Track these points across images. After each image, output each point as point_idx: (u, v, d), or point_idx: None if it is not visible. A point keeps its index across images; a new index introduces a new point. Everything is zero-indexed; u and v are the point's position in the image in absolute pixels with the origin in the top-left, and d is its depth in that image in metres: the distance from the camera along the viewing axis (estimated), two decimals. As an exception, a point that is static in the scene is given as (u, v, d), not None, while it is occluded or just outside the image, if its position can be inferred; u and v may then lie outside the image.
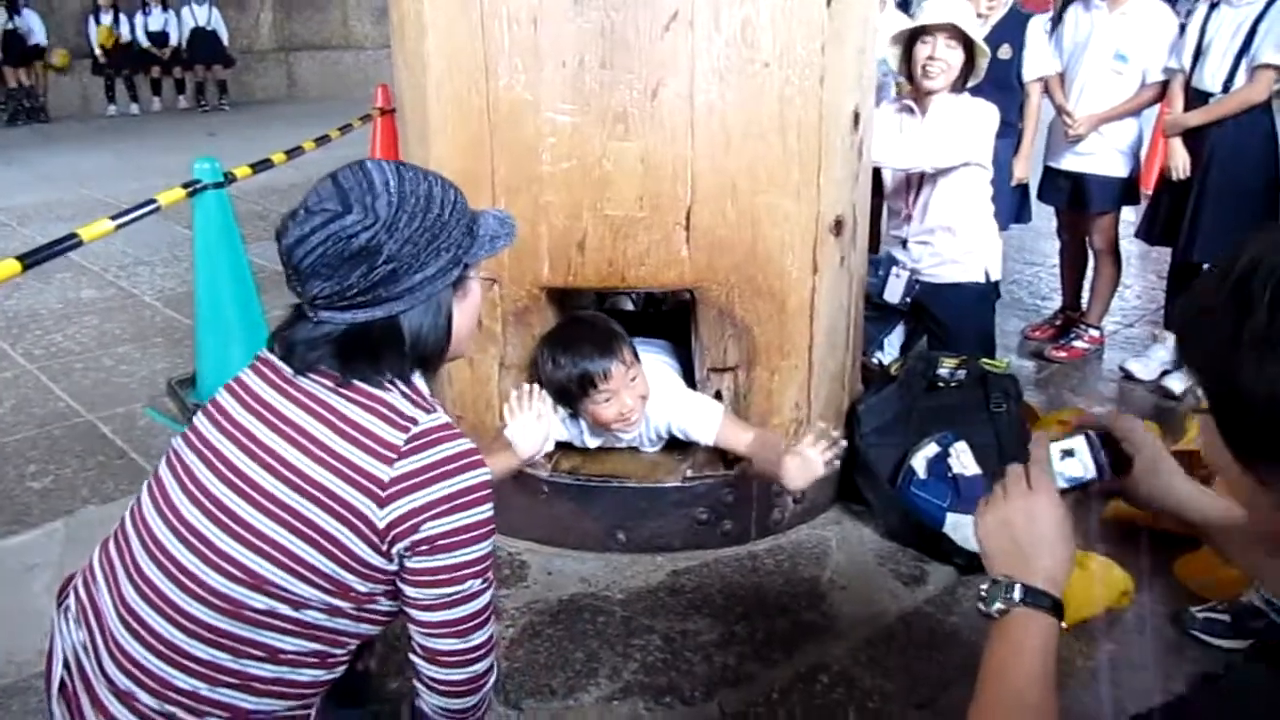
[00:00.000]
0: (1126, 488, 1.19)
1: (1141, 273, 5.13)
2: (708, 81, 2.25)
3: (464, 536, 1.31)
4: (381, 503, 1.26)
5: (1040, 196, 4.15)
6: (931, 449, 2.63)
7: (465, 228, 1.33)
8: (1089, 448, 1.16)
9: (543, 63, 2.24)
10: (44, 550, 2.68)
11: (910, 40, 3.35)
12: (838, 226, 2.52)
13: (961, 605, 2.41)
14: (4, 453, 3.23)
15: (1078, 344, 4.02)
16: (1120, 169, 3.85)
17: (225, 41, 11.90)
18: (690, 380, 2.57)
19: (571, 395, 2.35)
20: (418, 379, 1.38)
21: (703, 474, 2.53)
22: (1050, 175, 4.06)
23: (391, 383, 1.32)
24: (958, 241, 3.47)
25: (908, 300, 3.54)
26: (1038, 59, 3.96)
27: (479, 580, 1.34)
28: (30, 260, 2.41)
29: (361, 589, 1.31)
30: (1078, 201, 3.97)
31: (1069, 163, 3.94)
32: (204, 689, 1.30)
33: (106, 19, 11.32)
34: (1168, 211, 3.63)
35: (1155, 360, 3.77)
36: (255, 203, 6.68)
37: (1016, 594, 1.04)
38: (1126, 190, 3.91)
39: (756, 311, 2.44)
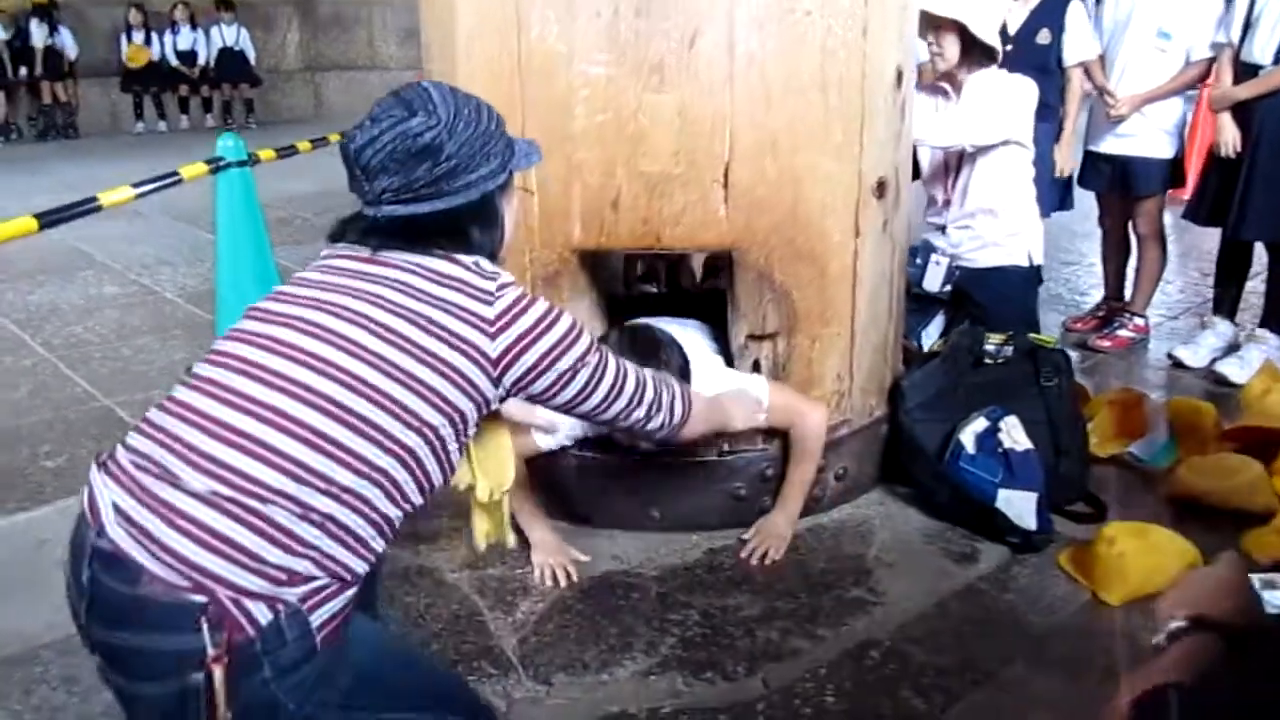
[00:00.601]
0: None
1: (1182, 269, 4.98)
2: (747, 30, 2.16)
3: (562, 344, 1.44)
4: (491, 335, 1.36)
5: (1081, 182, 4.02)
6: (980, 424, 2.50)
7: (506, 141, 1.48)
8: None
9: (576, 13, 2.16)
10: (55, 526, 2.58)
11: None
12: (880, 188, 2.42)
13: (1018, 583, 2.28)
14: (19, 434, 3.16)
15: (1122, 333, 3.88)
16: (1165, 150, 3.73)
17: (252, 61, 11.95)
18: (727, 359, 2.46)
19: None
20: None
21: (739, 448, 2.41)
22: (1091, 160, 3.94)
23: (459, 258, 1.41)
24: (1000, 224, 3.36)
25: (948, 288, 3.43)
26: (1078, 43, 3.85)
27: (595, 360, 1.49)
28: (47, 219, 2.36)
29: (467, 412, 1.37)
30: (1120, 185, 3.84)
31: (1110, 145, 3.82)
32: (291, 487, 1.24)
33: (138, 37, 11.42)
34: (1216, 190, 3.50)
35: (1205, 347, 3.63)
36: (281, 209, 6.65)
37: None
38: (1172, 172, 3.78)
39: (797, 275, 2.33)
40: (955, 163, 3.41)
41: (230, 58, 11.73)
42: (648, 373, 1.62)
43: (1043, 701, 1.93)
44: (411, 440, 1.30)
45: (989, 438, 2.49)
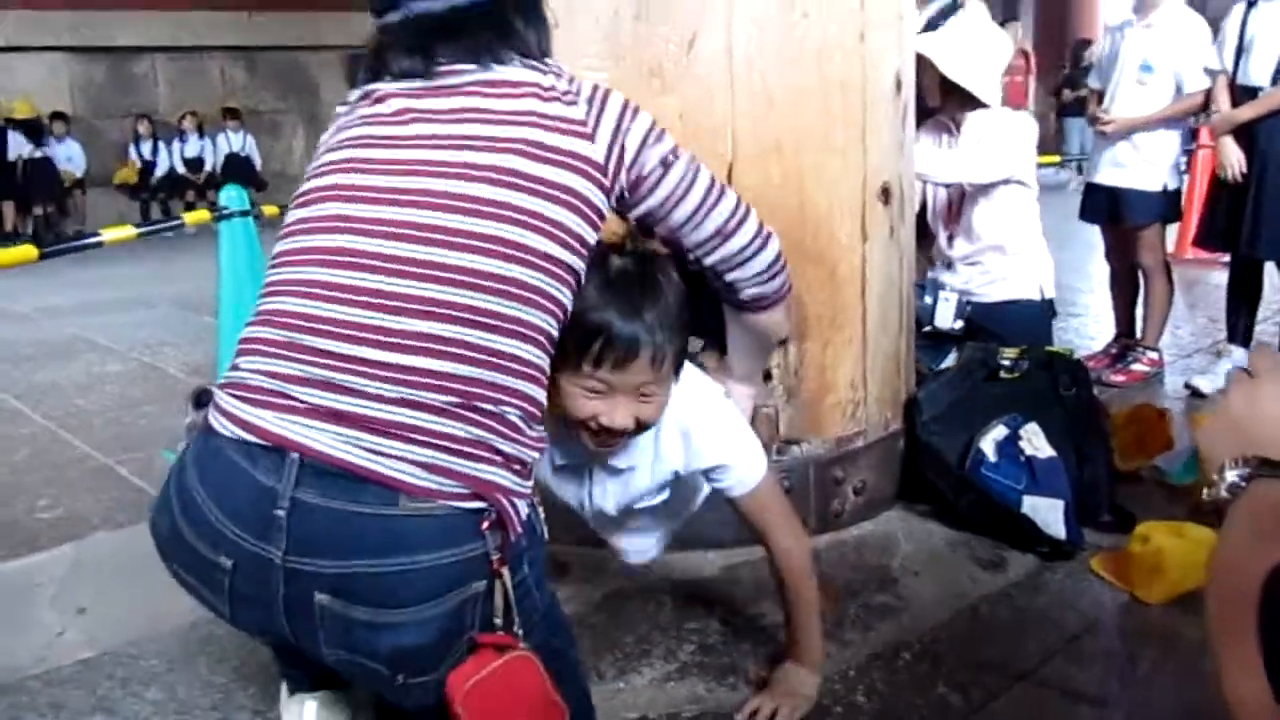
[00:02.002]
0: None
1: (1190, 317, 4.95)
2: (745, 33, 2.17)
3: (654, 126, 1.40)
4: (590, 136, 1.28)
5: (1081, 215, 4.06)
6: (1000, 431, 2.43)
7: None
8: None
9: (575, 16, 2.16)
10: (50, 570, 2.51)
11: None
12: (885, 194, 2.40)
13: (1050, 587, 2.19)
14: (17, 489, 3.10)
15: (1136, 367, 3.83)
16: (1155, 182, 3.76)
17: (258, 166, 12.20)
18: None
19: (586, 334, 1.45)
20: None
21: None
22: (1090, 192, 3.99)
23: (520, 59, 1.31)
24: (1009, 260, 3.34)
25: (959, 323, 3.39)
26: None
27: (683, 151, 1.45)
28: (48, 251, 2.33)
29: (590, 238, 1.31)
30: (1117, 217, 3.88)
31: (1105, 176, 3.87)
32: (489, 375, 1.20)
33: (145, 147, 11.68)
34: (1225, 214, 3.50)
35: (1223, 375, 3.57)
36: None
37: (1253, 466, 0.85)
38: (1167, 205, 3.79)
39: (806, 278, 2.29)
40: (958, 200, 3.41)
41: (236, 163, 11.96)
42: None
43: (1088, 696, 1.82)
44: (555, 289, 1.25)
45: (1010, 445, 2.41)
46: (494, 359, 1.18)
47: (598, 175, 1.29)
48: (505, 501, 1.18)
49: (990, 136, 3.24)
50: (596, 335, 1.39)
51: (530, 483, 1.24)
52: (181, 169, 11.84)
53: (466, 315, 1.17)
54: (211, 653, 2.07)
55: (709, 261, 1.51)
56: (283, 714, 1.66)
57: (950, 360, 3.47)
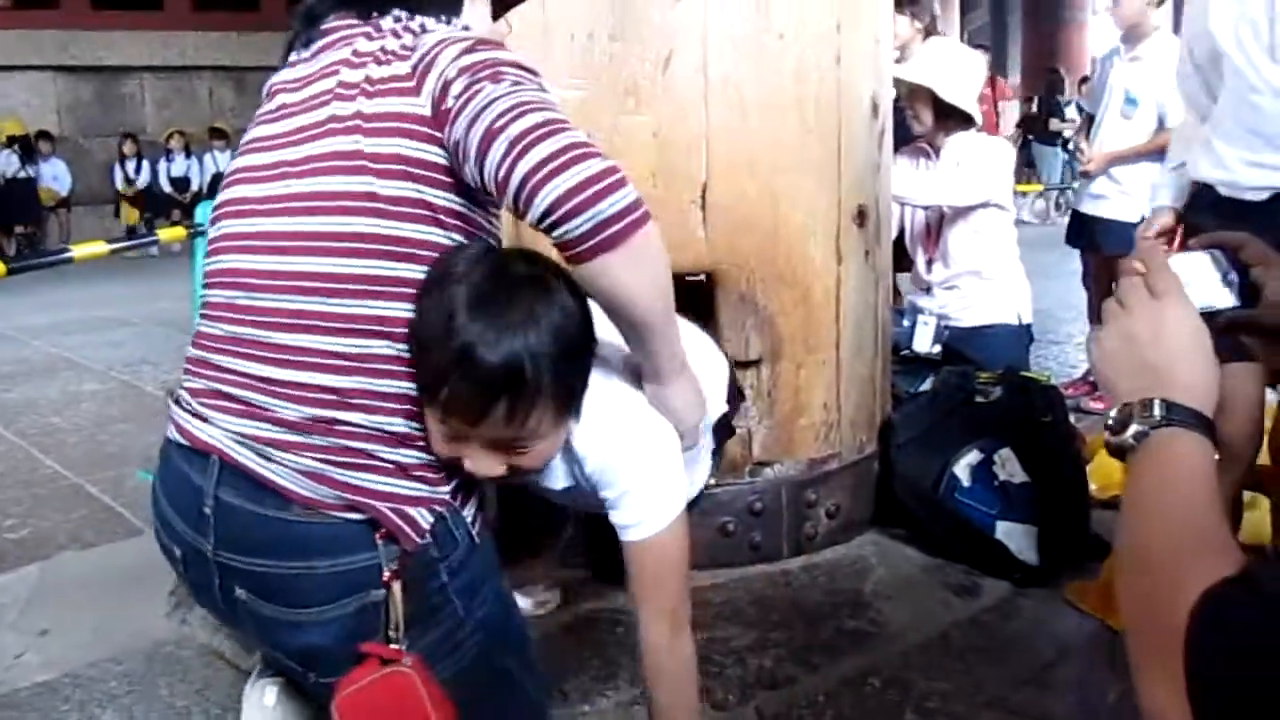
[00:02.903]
0: (1252, 321, 0.96)
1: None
2: (720, 53, 2.17)
3: (487, 65, 1.14)
4: (415, 92, 1.15)
5: (1067, 239, 4.16)
6: (974, 455, 2.42)
7: None
8: (1214, 267, 0.93)
9: (551, 36, 2.17)
10: (13, 590, 2.47)
11: None
12: (861, 216, 2.40)
13: (1023, 614, 2.17)
14: (-17, 508, 3.06)
15: (1116, 394, 3.84)
16: (1133, 213, 3.78)
17: (245, 187, 12.19)
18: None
19: (430, 375, 1.17)
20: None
21: (725, 480, 2.32)
22: (1074, 219, 4.09)
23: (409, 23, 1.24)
24: (986, 284, 3.35)
25: (937, 348, 3.39)
26: None
27: (518, 82, 1.12)
28: (15, 266, 2.30)
29: (443, 202, 1.17)
30: (1095, 245, 3.97)
31: (1087, 206, 3.97)
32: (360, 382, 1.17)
33: (130, 166, 11.67)
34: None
35: None
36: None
37: (1157, 411, 0.79)
38: None
39: (780, 299, 2.29)
40: (936, 224, 3.42)
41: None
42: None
43: (1058, 725, 1.80)
44: (415, 270, 1.16)
45: (984, 470, 2.41)
46: (363, 364, 1.15)
47: (426, 130, 1.14)
48: (390, 511, 1.16)
49: (969, 160, 3.25)
50: (440, 381, 1.13)
51: (447, 488, 1.21)
52: (168, 188, 11.82)
53: (324, 323, 1.15)
54: (173, 674, 2.04)
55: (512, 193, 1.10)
56: (246, 693, 1.66)
57: (927, 384, 3.48)
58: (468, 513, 1.24)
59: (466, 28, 1.31)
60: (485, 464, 1.20)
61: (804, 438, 2.37)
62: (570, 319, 1.18)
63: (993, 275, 3.34)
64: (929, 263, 3.46)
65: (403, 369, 1.16)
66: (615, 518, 1.32)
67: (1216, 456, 0.79)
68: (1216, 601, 0.67)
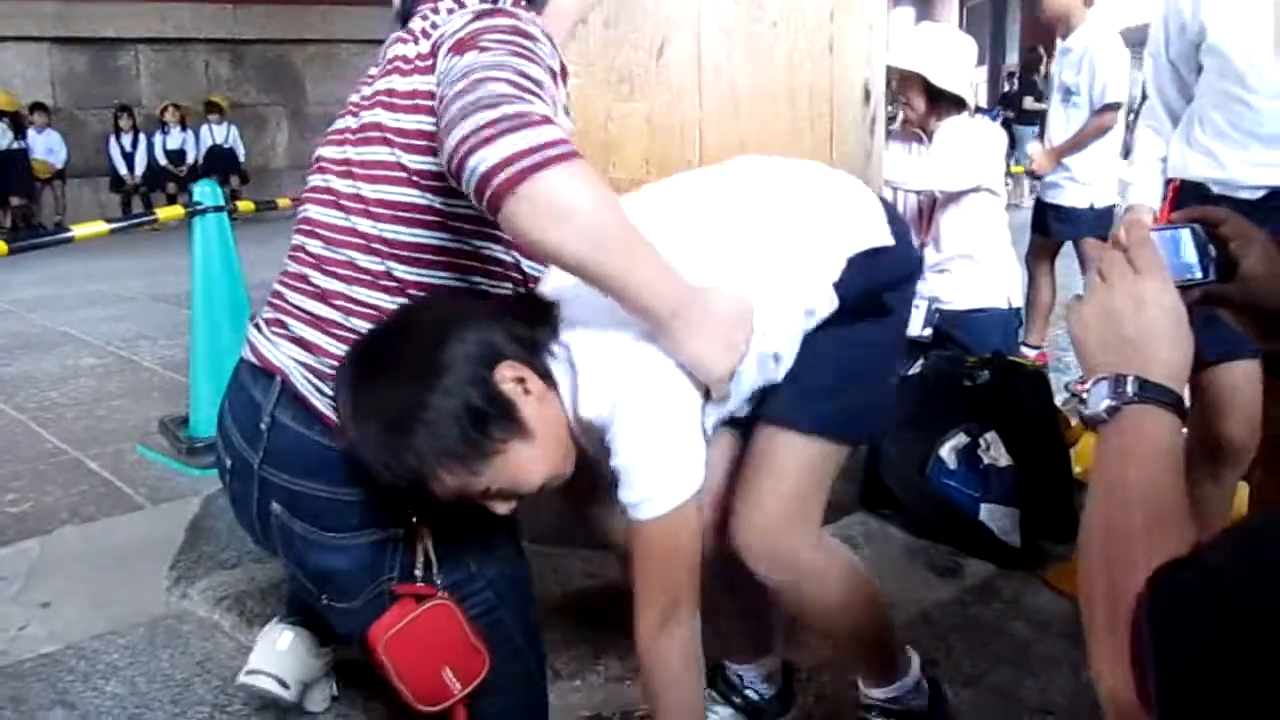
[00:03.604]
0: (1230, 294, 0.99)
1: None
2: (714, 40, 2.19)
3: (486, 22, 1.17)
4: (431, 70, 1.19)
5: (1032, 226, 4.30)
6: (960, 439, 2.47)
7: None
8: (1194, 241, 0.95)
9: (545, 25, 2.19)
10: (14, 564, 2.52)
11: None
12: (852, 203, 2.43)
13: (1003, 595, 2.22)
14: (-16, 483, 3.10)
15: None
16: (1082, 199, 3.94)
17: (241, 158, 12.16)
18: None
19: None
20: None
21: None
22: (1037, 206, 4.27)
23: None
24: (977, 268, 3.38)
25: (928, 331, 3.43)
26: None
27: (487, 50, 1.12)
28: (16, 246, 2.33)
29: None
30: (1044, 229, 4.15)
31: (1048, 195, 4.15)
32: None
33: (126, 140, 11.63)
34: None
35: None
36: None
37: (1130, 388, 0.81)
38: (1096, 222, 3.96)
39: (770, 285, 2.32)
40: (929, 208, 3.45)
41: (219, 155, 11.93)
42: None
43: (1032, 704, 1.85)
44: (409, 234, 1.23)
45: (969, 453, 2.45)
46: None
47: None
48: None
49: (961, 145, 3.28)
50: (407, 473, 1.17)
51: None
52: (163, 160, 11.79)
53: (367, 277, 1.24)
54: (174, 647, 2.09)
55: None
56: (263, 632, 1.80)
57: (917, 368, 3.52)
58: None
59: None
60: (499, 506, 1.23)
61: (793, 420, 2.41)
62: (455, 395, 1.14)
63: (984, 259, 3.38)
64: (921, 247, 3.49)
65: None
66: (620, 494, 1.24)
67: (1185, 430, 0.82)
68: (1165, 580, 0.69)
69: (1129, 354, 0.83)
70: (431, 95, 1.17)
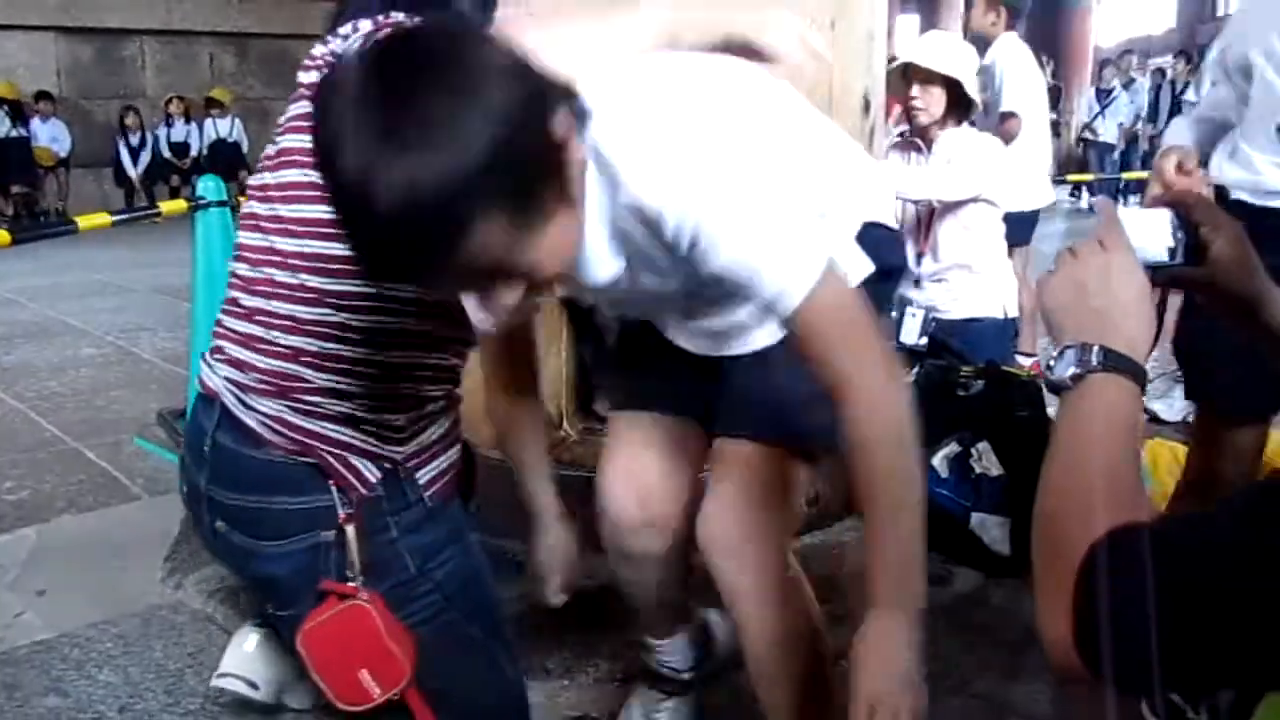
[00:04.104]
0: (1197, 278, 1.03)
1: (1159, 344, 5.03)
2: (716, 48, 2.22)
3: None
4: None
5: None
6: (952, 448, 2.50)
7: None
8: (1165, 226, 0.99)
9: (549, 28, 2.21)
10: (11, 552, 2.53)
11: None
12: (850, 211, 2.45)
13: (992, 602, 2.24)
14: (-18, 471, 3.12)
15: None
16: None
17: (245, 151, 12.19)
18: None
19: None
20: None
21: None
22: None
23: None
24: (975, 278, 3.40)
25: (924, 340, 3.45)
26: None
27: None
28: (20, 237, 2.35)
29: None
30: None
31: None
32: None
33: (135, 139, 11.68)
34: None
35: (1179, 401, 3.66)
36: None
37: (1094, 357, 0.85)
38: (1018, 229, 4.00)
39: (767, 291, 2.35)
40: (927, 218, 3.47)
41: (223, 148, 11.95)
42: None
43: (1018, 711, 1.87)
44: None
45: (961, 462, 2.48)
46: (315, 327, 1.27)
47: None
48: (334, 459, 1.26)
49: (961, 156, 3.29)
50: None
51: (400, 450, 1.29)
52: (167, 153, 11.82)
53: (286, 291, 1.26)
54: (167, 638, 2.10)
55: None
56: (233, 639, 1.87)
57: (911, 377, 3.54)
58: (423, 477, 1.32)
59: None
60: (502, 300, 1.03)
61: (787, 426, 2.43)
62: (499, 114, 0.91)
63: (981, 269, 3.39)
64: (919, 256, 3.51)
65: (347, 335, 1.26)
66: (760, 297, 1.09)
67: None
68: (1112, 541, 0.74)
69: (1095, 325, 0.88)
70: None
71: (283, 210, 1.27)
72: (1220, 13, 13.84)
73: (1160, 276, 0.98)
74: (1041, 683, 1.95)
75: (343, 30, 1.31)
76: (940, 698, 1.86)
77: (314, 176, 1.20)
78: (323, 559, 1.30)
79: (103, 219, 2.65)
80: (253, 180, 1.34)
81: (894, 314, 3.44)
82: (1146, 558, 0.72)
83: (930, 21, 13.21)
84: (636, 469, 1.58)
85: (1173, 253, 0.99)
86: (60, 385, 4.22)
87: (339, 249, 1.23)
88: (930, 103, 3.26)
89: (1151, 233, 0.99)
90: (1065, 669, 0.76)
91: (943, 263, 3.41)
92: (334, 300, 1.25)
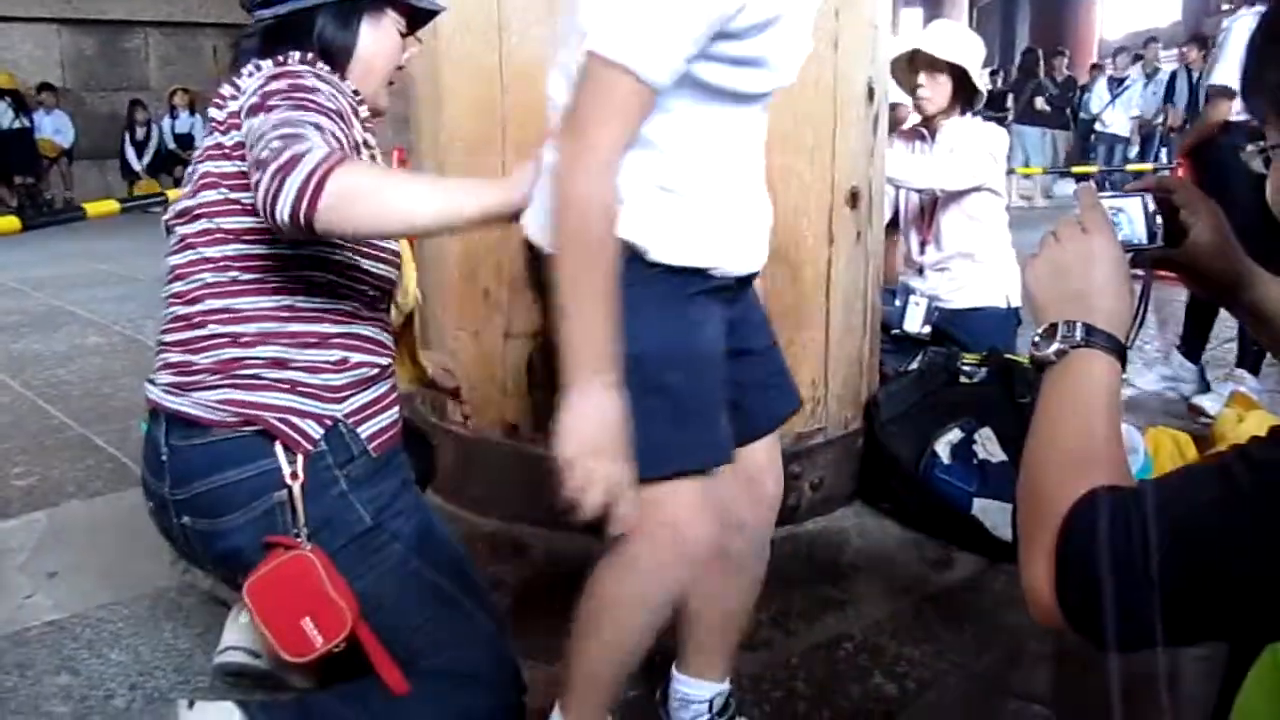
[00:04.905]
0: (1178, 260, 1.07)
1: (1160, 333, 5.04)
2: (721, 36, 2.23)
3: (289, 81, 1.38)
4: (239, 127, 1.38)
5: None
6: (955, 434, 2.51)
7: None
8: (1143, 210, 1.04)
9: (556, 16, 2.21)
10: (22, 535, 2.56)
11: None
12: (853, 198, 2.46)
13: (995, 587, 2.26)
14: (-8, 456, 3.14)
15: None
16: None
17: (250, 144, 12.20)
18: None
19: None
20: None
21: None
22: None
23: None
24: (977, 267, 3.41)
25: (927, 328, 3.46)
26: None
27: (277, 109, 1.33)
28: (31, 223, 2.37)
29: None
30: None
31: None
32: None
33: (141, 134, 11.69)
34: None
35: (1154, 373, 3.76)
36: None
37: (1078, 333, 0.90)
38: None
39: (771, 279, 2.34)
40: (930, 207, 3.48)
41: (227, 141, 11.96)
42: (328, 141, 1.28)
43: (1018, 692, 1.89)
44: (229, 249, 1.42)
45: (964, 448, 2.49)
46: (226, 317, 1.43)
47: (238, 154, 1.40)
48: (277, 421, 1.39)
49: (964, 144, 3.31)
50: None
51: (340, 408, 1.44)
52: (172, 144, 11.83)
53: (193, 290, 1.45)
54: (176, 619, 2.13)
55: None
56: (230, 616, 1.91)
57: (915, 364, 3.56)
58: (365, 431, 1.46)
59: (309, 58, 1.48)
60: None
61: (790, 412, 2.45)
62: None
63: (984, 259, 3.40)
64: (922, 245, 3.52)
65: (280, 313, 1.42)
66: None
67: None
68: (1095, 500, 0.79)
69: (1076, 304, 0.93)
70: (242, 146, 1.38)
71: (207, 224, 1.43)
72: (1225, 5, 13.76)
73: (1141, 259, 1.03)
74: (1043, 667, 1.97)
75: (245, 70, 1.46)
76: (938, 678, 1.89)
77: (231, 195, 1.41)
78: (279, 521, 1.41)
79: (111, 206, 2.68)
80: (173, 209, 1.51)
81: (896, 302, 3.46)
82: (1133, 516, 0.76)
83: (934, 15, 13.18)
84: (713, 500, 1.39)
85: (1153, 235, 1.04)
86: (67, 373, 4.24)
87: (265, 249, 1.42)
88: (937, 91, 3.28)
89: (1131, 216, 1.04)
90: (1047, 621, 0.82)
91: (945, 251, 3.43)
92: (271, 284, 1.42)
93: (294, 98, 1.35)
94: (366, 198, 1.23)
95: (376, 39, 1.56)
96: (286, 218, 1.20)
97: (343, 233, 1.28)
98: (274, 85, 1.37)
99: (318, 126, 1.29)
